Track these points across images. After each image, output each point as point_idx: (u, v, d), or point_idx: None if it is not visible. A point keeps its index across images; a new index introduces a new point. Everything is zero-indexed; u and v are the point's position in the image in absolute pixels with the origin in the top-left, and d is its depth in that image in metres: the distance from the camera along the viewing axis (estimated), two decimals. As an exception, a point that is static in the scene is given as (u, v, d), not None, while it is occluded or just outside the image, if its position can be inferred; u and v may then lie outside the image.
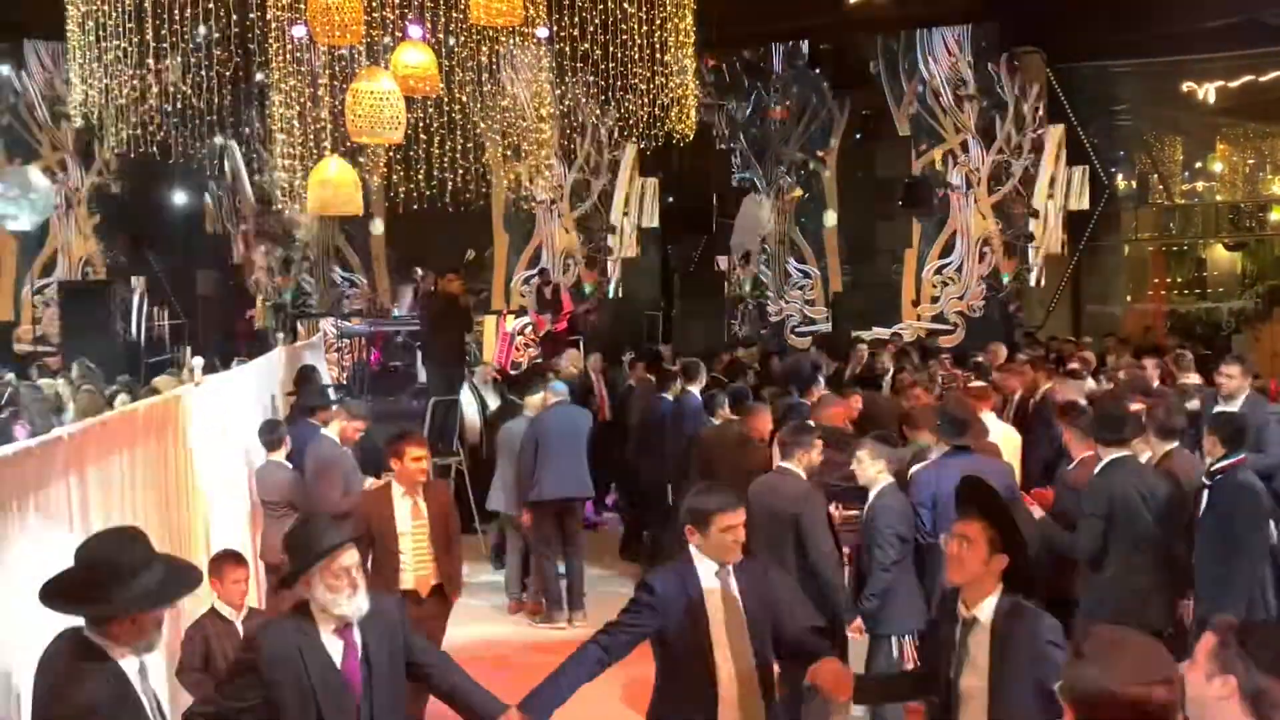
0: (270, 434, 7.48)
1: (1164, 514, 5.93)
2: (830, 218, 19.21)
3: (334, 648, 3.77)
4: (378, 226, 18.62)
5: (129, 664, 3.34)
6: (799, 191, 19.26)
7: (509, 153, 15.93)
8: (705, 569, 4.15)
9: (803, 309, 19.41)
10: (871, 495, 6.15)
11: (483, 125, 12.53)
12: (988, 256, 18.31)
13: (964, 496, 3.98)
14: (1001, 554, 3.71)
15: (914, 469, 6.56)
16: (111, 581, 3.29)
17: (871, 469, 6.17)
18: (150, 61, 11.37)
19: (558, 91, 15.50)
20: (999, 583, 3.73)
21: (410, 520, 6.29)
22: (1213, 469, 5.97)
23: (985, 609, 3.72)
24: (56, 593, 3.34)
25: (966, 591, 3.76)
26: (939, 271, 18.55)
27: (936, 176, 18.30)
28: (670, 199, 18.83)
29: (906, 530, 6.05)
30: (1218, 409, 7.23)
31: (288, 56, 11.43)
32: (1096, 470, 6.07)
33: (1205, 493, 5.95)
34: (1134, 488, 5.91)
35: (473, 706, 4.03)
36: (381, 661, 3.83)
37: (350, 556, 3.78)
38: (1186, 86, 18.22)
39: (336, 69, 11.14)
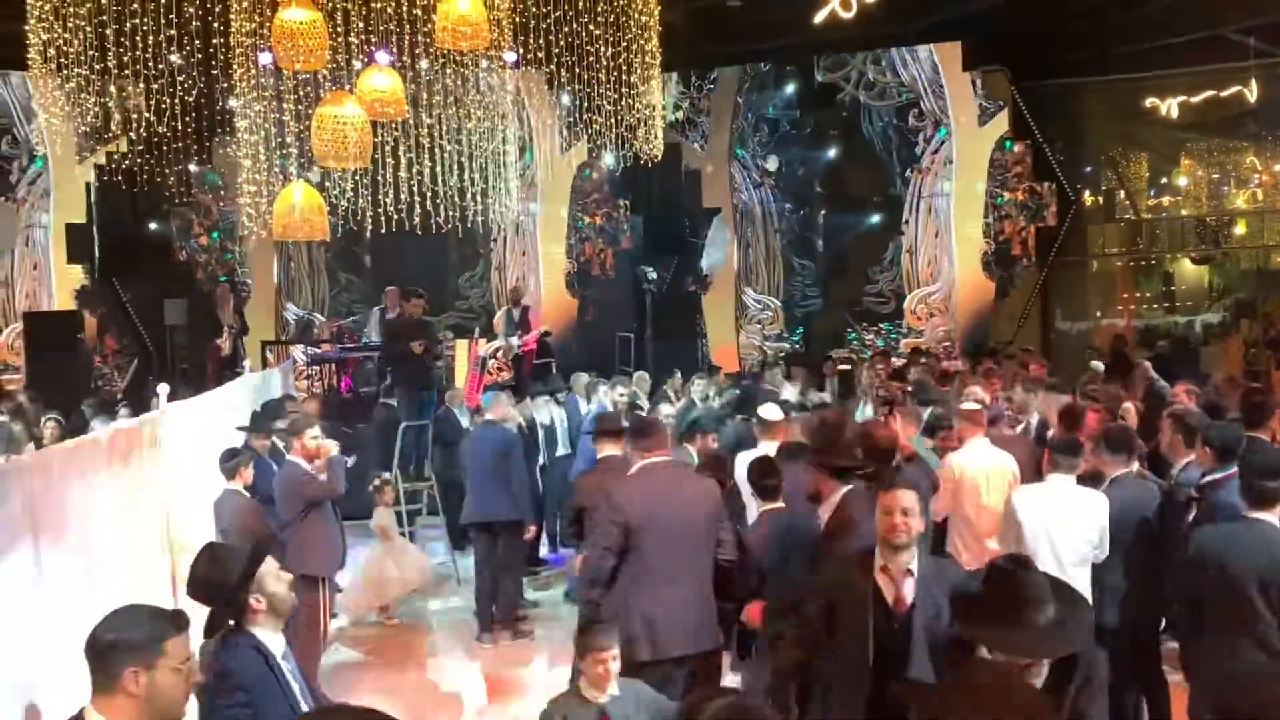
0: (227, 462, 7.33)
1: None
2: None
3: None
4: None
5: None
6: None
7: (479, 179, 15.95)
8: None
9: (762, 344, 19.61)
10: None
11: (450, 148, 12.45)
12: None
13: None
14: None
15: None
16: None
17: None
18: (113, 89, 11.28)
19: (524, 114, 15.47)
20: None
21: None
22: (1203, 481, 5.85)
23: None
24: None
25: None
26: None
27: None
28: (641, 220, 18.87)
29: None
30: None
31: (253, 82, 11.36)
32: None
33: (1194, 504, 5.82)
34: None
35: None
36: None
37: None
38: (1150, 102, 18.41)
39: (302, 94, 11.06)
